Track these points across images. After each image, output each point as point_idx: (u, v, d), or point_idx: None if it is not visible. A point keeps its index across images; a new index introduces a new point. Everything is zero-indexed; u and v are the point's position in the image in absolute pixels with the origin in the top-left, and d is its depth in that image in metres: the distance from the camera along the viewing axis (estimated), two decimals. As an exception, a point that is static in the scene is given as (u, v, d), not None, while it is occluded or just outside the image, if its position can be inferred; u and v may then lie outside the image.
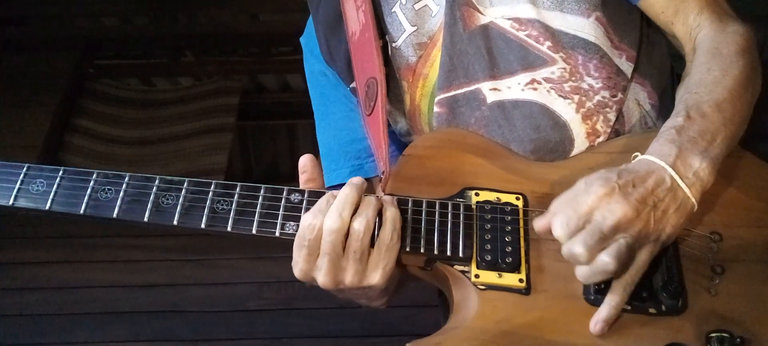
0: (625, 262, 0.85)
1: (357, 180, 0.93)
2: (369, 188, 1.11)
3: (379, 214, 0.92)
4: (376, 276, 0.92)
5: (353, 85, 1.17)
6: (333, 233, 0.88)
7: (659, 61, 1.14)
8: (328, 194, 0.92)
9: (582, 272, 0.86)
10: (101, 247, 3.23)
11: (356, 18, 1.14)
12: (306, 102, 1.29)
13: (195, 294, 3.12)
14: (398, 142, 1.25)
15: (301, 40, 1.29)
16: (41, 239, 3.30)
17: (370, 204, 0.91)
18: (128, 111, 4.22)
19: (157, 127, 4.15)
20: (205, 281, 3.14)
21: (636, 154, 0.92)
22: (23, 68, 4.10)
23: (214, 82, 4.38)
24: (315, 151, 1.28)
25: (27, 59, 4.16)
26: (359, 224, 0.89)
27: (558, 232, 0.85)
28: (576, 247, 0.83)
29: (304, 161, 0.98)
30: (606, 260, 0.83)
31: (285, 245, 0.94)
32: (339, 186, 1.22)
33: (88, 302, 3.10)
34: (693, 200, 0.88)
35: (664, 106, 1.11)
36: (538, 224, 0.90)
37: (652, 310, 0.91)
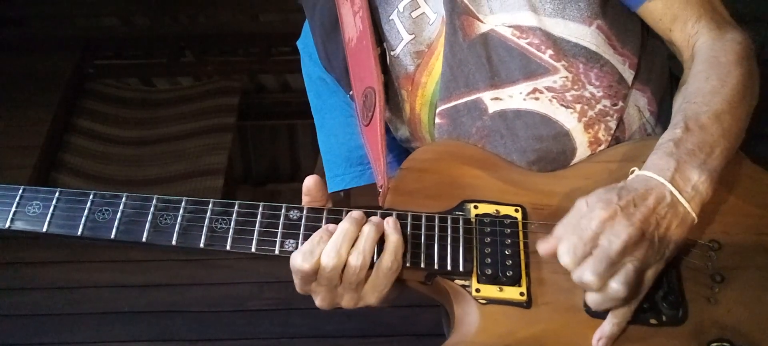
0: (634, 287, 0.85)
1: (356, 214, 0.92)
2: (371, 192, 1.11)
3: (381, 236, 0.92)
4: (372, 299, 0.93)
5: (352, 92, 1.16)
6: (331, 271, 0.88)
7: (659, 68, 1.14)
8: (323, 229, 0.91)
9: (594, 300, 0.86)
10: (101, 247, 3.22)
11: (353, 23, 1.13)
12: (306, 102, 1.28)
13: (195, 294, 3.12)
14: (399, 147, 1.24)
15: (298, 43, 1.28)
16: (41, 239, 3.28)
17: (368, 238, 0.90)
18: (128, 111, 4.22)
19: (157, 127, 4.15)
20: (205, 281, 3.14)
21: (633, 169, 0.92)
22: (23, 68, 4.09)
23: (214, 82, 4.38)
24: (315, 152, 1.27)
25: (27, 59, 4.15)
26: (356, 260, 0.89)
27: (565, 260, 0.85)
28: (586, 275, 0.83)
29: (309, 184, 0.96)
30: (616, 288, 0.83)
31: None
32: (340, 192, 1.23)
33: (88, 302, 3.10)
34: (693, 214, 0.88)
35: (664, 113, 1.11)
36: (542, 248, 0.89)
37: (653, 321, 0.91)
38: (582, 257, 0.84)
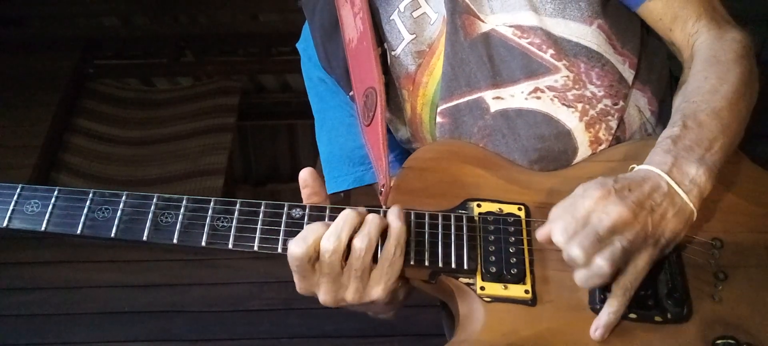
0: (619, 265, 0.85)
1: (360, 208, 0.92)
2: (372, 193, 1.11)
3: (383, 232, 0.91)
4: (377, 292, 0.91)
5: (352, 93, 1.16)
6: (332, 255, 0.87)
7: (659, 68, 1.14)
8: (322, 222, 0.91)
9: (579, 276, 0.86)
10: (101, 247, 3.24)
11: (353, 25, 1.13)
12: (306, 102, 1.28)
13: (195, 294, 3.12)
14: (400, 147, 1.24)
15: (298, 45, 1.27)
16: (41, 239, 3.30)
17: (373, 223, 0.89)
18: (128, 111, 4.23)
19: (157, 127, 4.15)
20: (205, 281, 3.15)
21: (633, 166, 0.92)
22: (23, 68, 4.10)
23: (214, 82, 4.39)
24: (315, 152, 1.27)
25: (27, 59, 4.16)
26: (361, 242, 0.88)
27: (557, 238, 0.86)
28: (573, 249, 0.84)
29: (305, 176, 0.96)
30: (600, 263, 0.83)
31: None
32: (340, 192, 1.23)
33: (88, 302, 3.11)
34: (691, 205, 0.88)
35: (664, 113, 1.11)
36: (540, 233, 0.90)
37: (657, 318, 0.91)
38: (573, 234, 0.84)
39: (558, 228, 0.86)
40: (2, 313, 3.06)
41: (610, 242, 0.84)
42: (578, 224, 0.85)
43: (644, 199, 0.85)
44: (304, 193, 0.96)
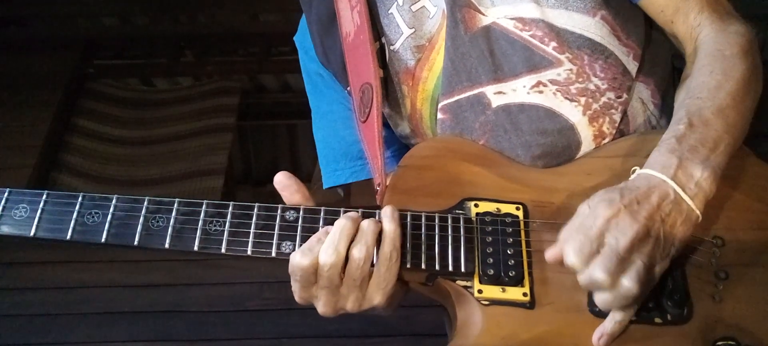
0: (645, 284, 0.83)
1: (353, 214, 0.91)
2: (372, 191, 1.10)
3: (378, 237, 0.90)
4: (377, 297, 0.90)
5: (349, 88, 1.14)
6: (331, 269, 0.86)
7: (663, 61, 1.13)
8: (322, 230, 0.90)
9: (604, 299, 0.85)
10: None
11: (351, 18, 1.11)
12: (306, 102, 1.27)
13: (195, 294, 3.11)
14: (399, 142, 1.22)
15: (295, 39, 1.26)
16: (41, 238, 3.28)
17: (368, 230, 0.88)
18: (128, 111, 4.23)
19: (157, 127, 4.15)
20: (205, 281, 3.13)
21: (635, 168, 0.90)
22: (23, 68, 4.10)
23: (214, 82, 4.39)
24: (315, 152, 1.26)
25: (27, 59, 4.15)
26: (359, 252, 0.87)
27: (572, 260, 0.83)
28: (597, 273, 0.82)
29: (280, 179, 0.95)
30: (628, 285, 0.82)
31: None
32: (338, 188, 1.22)
33: (88, 302, 3.09)
34: (697, 211, 0.86)
35: (667, 106, 1.09)
36: (550, 254, 0.87)
37: (657, 319, 0.90)
38: (589, 255, 0.83)
39: (571, 250, 0.84)
40: (2, 313, 3.06)
41: (631, 261, 0.82)
42: (593, 244, 0.83)
43: (654, 211, 0.84)
44: (285, 195, 0.95)
